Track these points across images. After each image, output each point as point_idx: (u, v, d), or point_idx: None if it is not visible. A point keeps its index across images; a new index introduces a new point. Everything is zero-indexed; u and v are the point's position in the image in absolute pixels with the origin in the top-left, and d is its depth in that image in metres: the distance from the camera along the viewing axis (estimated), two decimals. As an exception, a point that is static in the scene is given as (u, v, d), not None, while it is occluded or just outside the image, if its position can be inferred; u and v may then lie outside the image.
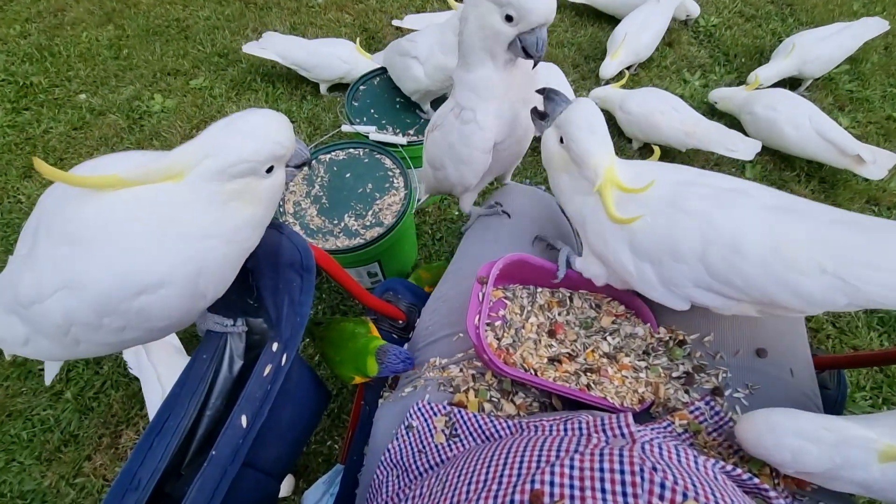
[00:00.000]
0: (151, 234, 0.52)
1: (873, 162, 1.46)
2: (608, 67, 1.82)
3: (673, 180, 0.63)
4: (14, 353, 0.61)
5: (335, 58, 1.82)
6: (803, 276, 0.54)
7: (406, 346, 0.89)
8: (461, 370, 0.74)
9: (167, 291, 0.53)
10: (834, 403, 0.87)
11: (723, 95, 1.75)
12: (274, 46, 1.88)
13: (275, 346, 0.65)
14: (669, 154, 1.69)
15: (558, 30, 2.14)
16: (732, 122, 1.73)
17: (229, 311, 0.73)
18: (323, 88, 1.96)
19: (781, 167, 1.66)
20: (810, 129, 1.51)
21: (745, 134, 1.64)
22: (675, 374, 0.70)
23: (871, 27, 1.80)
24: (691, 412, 0.64)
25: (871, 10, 2.12)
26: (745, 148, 1.53)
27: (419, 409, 0.67)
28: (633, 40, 1.82)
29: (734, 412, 0.64)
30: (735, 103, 1.69)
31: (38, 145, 1.87)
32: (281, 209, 1.27)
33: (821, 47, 1.74)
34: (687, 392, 0.68)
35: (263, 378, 0.63)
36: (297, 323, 0.65)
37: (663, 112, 1.57)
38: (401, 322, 0.94)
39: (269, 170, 0.57)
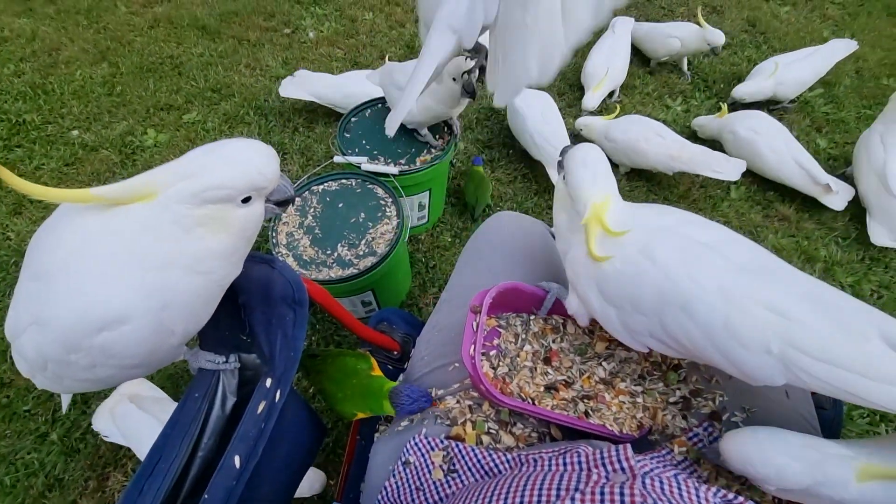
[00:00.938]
0: (111, 267, 0.50)
1: (837, 193, 1.54)
2: (591, 100, 1.87)
3: (653, 226, 0.62)
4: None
5: (368, 97, 1.82)
6: (747, 352, 0.53)
7: (401, 376, 0.88)
8: (458, 401, 0.73)
9: (129, 328, 0.50)
10: (831, 423, 0.86)
11: (701, 123, 1.82)
12: (311, 87, 1.91)
13: (268, 382, 0.65)
14: (657, 177, 1.73)
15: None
16: (715, 145, 1.78)
17: (222, 348, 0.72)
18: None
19: (765, 187, 1.70)
20: (787, 154, 1.57)
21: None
22: (671, 399, 0.70)
23: (840, 49, 1.89)
24: (690, 439, 0.64)
25: (840, 35, 2.22)
26: (730, 168, 1.57)
27: (416, 443, 0.66)
28: (612, 70, 1.89)
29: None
30: (714, 127, 1.75)
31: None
32: (273, 240, 1.27)
33: (794, 69, 1.81)
34: (685, 417, 0.68)
35: (257, 416, 0.62)
36: (291, 358, 0.64)
37: (647, 139, 1.61)
38: (395, 353, 0.93)
39: (247, 200, 0.55)
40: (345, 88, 1.88)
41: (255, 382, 0.66)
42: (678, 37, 1.91)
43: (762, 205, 1.67)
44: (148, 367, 0.60)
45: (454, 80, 1.24)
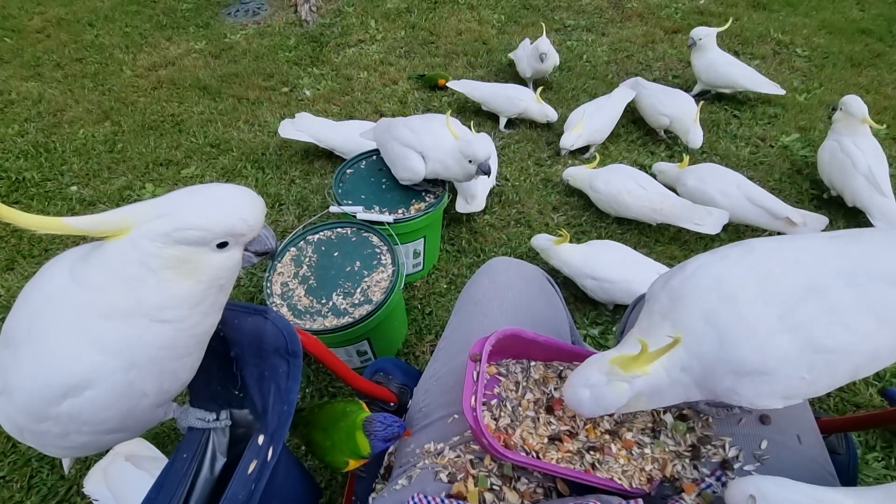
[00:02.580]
0: (71, 326, 0.47)
1: (804, 224, 1.52)
2: (567, 139, 1.94)
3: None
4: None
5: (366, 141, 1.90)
6: None
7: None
8: (458, 455, 0.70)
9: (94, 392, 0.47)
10: (846, 468, 0.83)
11: (661, 169, 1.84)
12: (310, 130, 1.99)
13: (261, 439, 0.62)
14: (642, 224, 1.74)
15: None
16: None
17: (213, 404, 0.69)
18: None
19: (747, 233, 1.73)
20: (739, 195, 1.59)
21: None
22: (681, 449, 0.67)
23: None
24: (702, 490, 0.61)
25: (809, 85, 2.35)
26: (712, 222, 1.57)
27: (415, 503, 0.62)
28: (590, 119, 1.96)
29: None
30: (670, 177, 1.79)
31: (24, 237, 1.87)
32: (268, 290, 1.26)
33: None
34: (696, 467, 0.65)
35: (248, 476, 0.59)
36: (285, 412, 0.62)
37: (630, 190, 1.63)
38: (392, 404, 0.90)
39: (223, 245, 0.52)
40: (344, 132, 1.95)
41: (246, 441, 0.63)
42: (667, 115, 1.98)
43: (757, 233, 1.69)
44: (129, 432, 0.57)
45: (469, 161, 1.36)
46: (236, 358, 0.65)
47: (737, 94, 2.29)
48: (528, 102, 2.09)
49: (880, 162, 1.62)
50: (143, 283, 0.49)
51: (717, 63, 2.09)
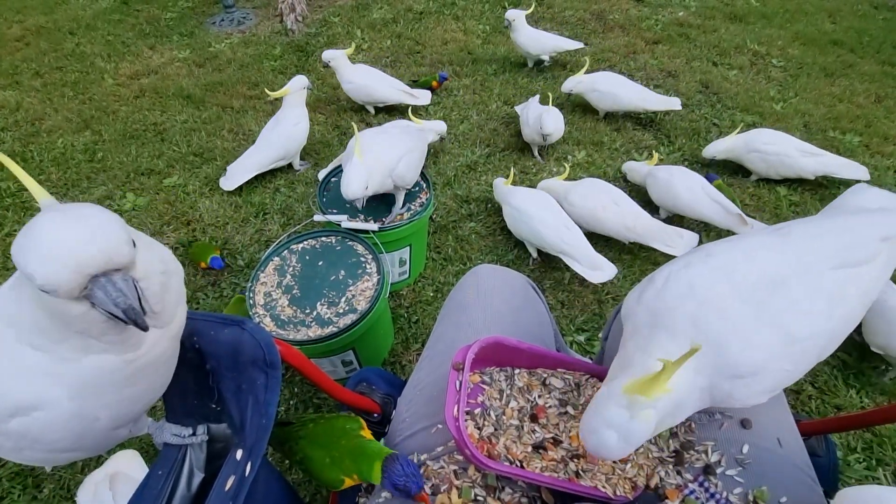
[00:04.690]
0: (12, 356, 0.45)
1: (752, 225, 1.64)
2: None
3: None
4: None
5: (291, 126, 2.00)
6: None
7: (382, 441, 0.83)
8: (442, 466, 0.69)
9: (42, 414, 0.45)
10: (827, 470, 0.84)
11: (630, 167, 1.92)
12: (243, 173, 2.01)
13: (238, 454, 0.60)
14: (617, 243, 1.74)
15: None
16: (640, 189, 1.88)
17: (189, 419, 0.68)
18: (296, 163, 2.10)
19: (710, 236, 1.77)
20: (701, 192, 1.68)
21: (656, 205, 1.80)
22: (664, 455, 0.67)
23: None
24: (687, 496, 0.61)
25: (785, 95, 2.42)
26: (682, 244, 1.60)
27: (398, 516, 0.61)
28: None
29: (730, 493, 0.61)
30: (640, 174, 1.86)
31: (-3, 248, 1.82)
32: (250, 301, 1.24)
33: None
34: (679, 473, 0.65)
35: (225, 493, 0.57)
36: (263, 426, 0.60)
37: (605, 206, 1.63)
38: (376, 415, 0.89)
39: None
40: (275, 139, 1.98)
41: (224, 456, 0.61)
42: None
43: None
44: (87, 451, 0.54)
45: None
46: (212, 370, 0.63)
47: (714, 103, 2.34)
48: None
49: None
50: (36, 315, 0.42)
51: (533, 36, 2.46)
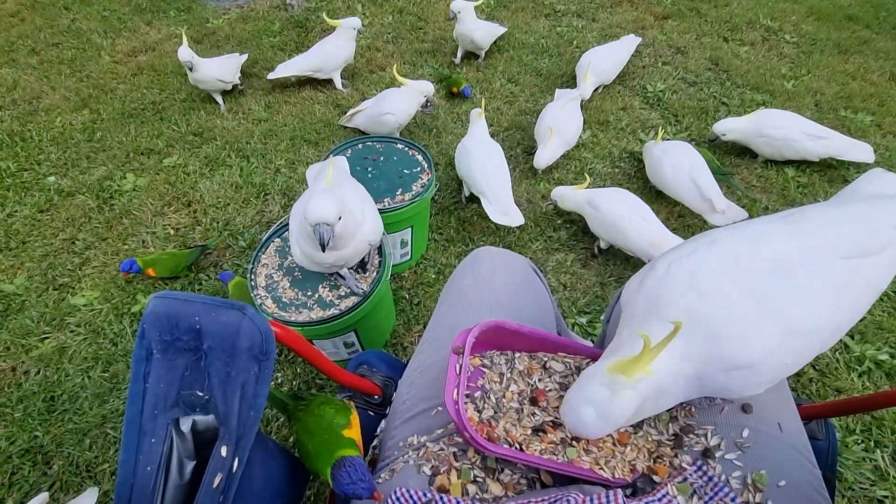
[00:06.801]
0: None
1: (723, 212, 1.61)
2: (541, 158, 1.86)
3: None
4: None
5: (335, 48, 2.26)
6: None
7: (383, 422, 0.84)
8: (441, 448, 0.70)
9: None
10: (826, 454, 0.84)
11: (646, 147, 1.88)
12: (287, 70, 2.29)
13: (224, 451, 0.59)
14: (632, 260, 1.67)
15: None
16: (640, 164, 1.82)
17: (175, 408, 0.63)
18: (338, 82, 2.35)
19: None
20: (686, 172, 1.66)
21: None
22: (664, 438, 0.67)
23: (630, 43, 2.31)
24: (685, 479, 0.61)
25: (797, 72, 2.35)
26: None
27: (397, 498, 0.62)
28: (560, 131, 1.88)
29: (729, 477, 0.61)
30: (646, 150, 1.87)
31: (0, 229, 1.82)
32: (252, 283, 1.24)
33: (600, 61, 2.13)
34: (676, 456, 0.65)
35: (213, 491, 0.57)
36: (252, 418, 0.59)
37: (631, 218, 1.53)
38: (376, 397, 0.89)
39: None
40: (318, 51, 2.27)
41: (215, 442, 0.60)
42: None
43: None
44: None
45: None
46: (206, 352, 0.62)
47: (724, 81, 2.28)
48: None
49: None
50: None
51: (478, 29, 2.33)
